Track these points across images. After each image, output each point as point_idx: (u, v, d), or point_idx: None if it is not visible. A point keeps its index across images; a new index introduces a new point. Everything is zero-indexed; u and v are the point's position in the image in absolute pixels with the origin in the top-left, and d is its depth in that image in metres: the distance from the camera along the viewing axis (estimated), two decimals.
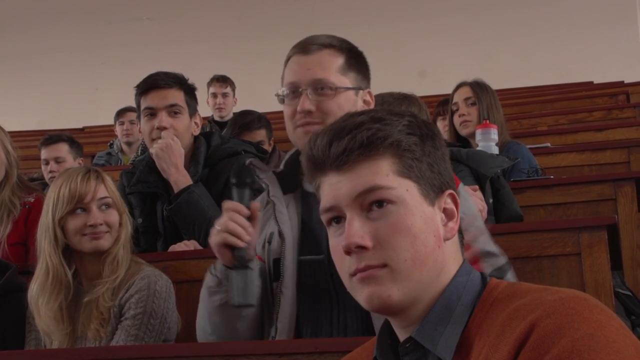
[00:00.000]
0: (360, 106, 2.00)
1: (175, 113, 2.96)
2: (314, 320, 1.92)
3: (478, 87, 4.01)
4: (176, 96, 2.97)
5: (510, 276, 1.84)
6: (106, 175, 2.50)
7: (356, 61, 2.02)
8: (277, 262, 1.93)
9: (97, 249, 2.42)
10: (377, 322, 1.75)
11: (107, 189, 2.46)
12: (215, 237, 1.86)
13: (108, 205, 2.45)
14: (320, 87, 1.94)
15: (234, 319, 1.93)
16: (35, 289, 2.41)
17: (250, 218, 1.86)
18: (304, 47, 1.99)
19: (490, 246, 1.85)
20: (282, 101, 2.02)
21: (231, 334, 1.94)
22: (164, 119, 2.93)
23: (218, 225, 1.86)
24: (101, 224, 2.42)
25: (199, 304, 2.01)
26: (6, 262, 2.66)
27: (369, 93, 2.05)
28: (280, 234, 1.94)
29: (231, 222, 1.84)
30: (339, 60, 1.98)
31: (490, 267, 1.81)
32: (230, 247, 1.85)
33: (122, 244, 2.44)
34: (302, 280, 1.92)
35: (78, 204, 2.42)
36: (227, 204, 1.88)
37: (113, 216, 2.45)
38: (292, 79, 1.98)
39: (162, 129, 2.92)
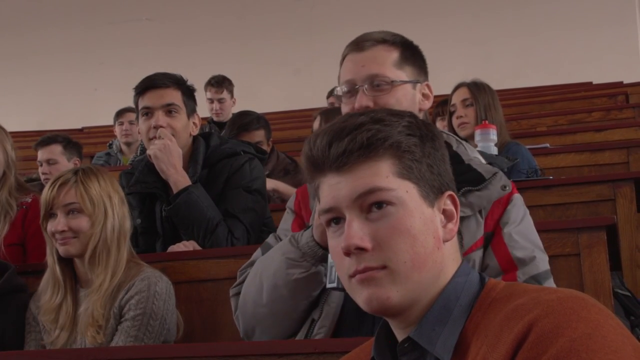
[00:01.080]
0: (418, 99, 2.00)
1: (172, 112, 2.96)
2: (358, 313, 1.86)
3: (475, 88, 4.01)
4: (173, 96, 2.97)
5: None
6: (95, 177, 2.48)
7: (412, 54, 2.02)
8: None
9: (65, 254, 2.46)
10: None
11: (78, 194, 2.44)
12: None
13: (76, 211, 2.44)
14: (377, 83, 1.94)
15: (303, 297, 1.88)
16: (41, 285, 2.49)
17: None
18: (358, 44, 1.99)
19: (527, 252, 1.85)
20: (339, 100, 2.02)
21: (289, 310, 1.90)
22: (160, 118, 2.93)
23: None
24: (65, 230, 2.43)
25: (255, 273, 1.94)
26: (5, 262, 2.66)
27: (427, 86, 2.04)
28: None
29: None
30: (393, 55, 1.98)
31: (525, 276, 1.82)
32: None
33: (99, 247, 2.43)
34: None
35: (49, 210, 2.46)
36: None
37: (79, 222, 2.44)
38: (348, 76, 1.98)
39: (158, 127, 2.92)
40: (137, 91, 3.00)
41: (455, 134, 4.03)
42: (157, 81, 2.97)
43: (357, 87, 1.95)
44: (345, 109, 1.99)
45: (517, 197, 1.94)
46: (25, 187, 3.27)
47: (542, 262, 1.87)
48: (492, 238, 1.88)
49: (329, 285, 1.79)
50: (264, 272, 1.93)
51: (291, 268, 1.87)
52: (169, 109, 2.95)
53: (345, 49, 2.02)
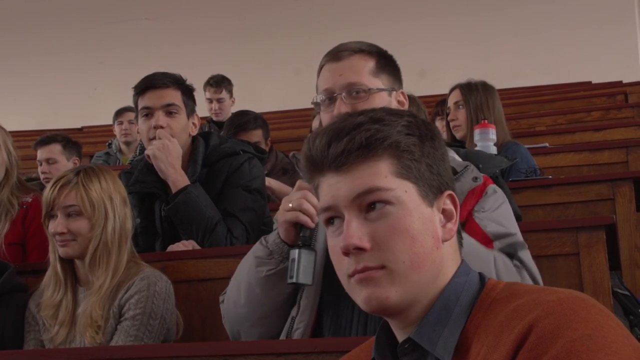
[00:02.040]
0: (394, 106, 2.04)
1: (172, 113, 2.95)
2: (335, 308, 1.92)
3: (467, 90, 4.01)
4: (173, 96, 2.96)
5: (523, 255, 1.90)
6: (96, 178, 2.47)
7: (387, 63, 2.09)
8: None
9: (65, 256, 2.46)
10: None
11: (78, 196, 2.44)
12: (287, 214, 1.89)
13: (76, 213, 2.44)
14: (355, 91, 2.01)
15: (276, 293, 1.94)
16: (44, 281, 2.51)
17: None
18: (335, 54, 2.06)
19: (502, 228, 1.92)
20: (318, 108, 2.08)
21: (265, 308, 1.96)
22: (160, 118, 2.93)
23: (290, 203, 1.88)
24: (64, 232, 2.43)
25: (234, 276, 2.03)
26: (5, 262, 2.67)
27: (402, 93, 2.11)
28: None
29: (306, 201, 1.87)
30: (370, 64, 2.05)
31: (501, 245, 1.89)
32: (297, 226, 1.88)
33: (99, 249, 2.43)
34: (327, 271, 1.93)
35: (50, 211, 2.47)
36: (302, 183, 1.92)
37: (79, 224, 2.44)
38: (326, 85, 2.05)
39: (158, 128, 2.92)
40: (137, 91, 3.00)
41: (453, 134, 4.05)
42: (157, 81, 2.96)
43: (335, 95, 2.02)
44: (324, 116, 2.05)
45: (492, 188, 2.01)
46: (27, 186, 3.27)
47: (518, 236, 1.94)
48: (465, 224, 1.94)
49: (289, 281, 1.85)
50: (240, 272, 2.01)
51: (260, 266, 1.94)
52: (168, 110, 2.95)
53: (323, 59, 2.09)
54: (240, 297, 1.98)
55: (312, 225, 1.88)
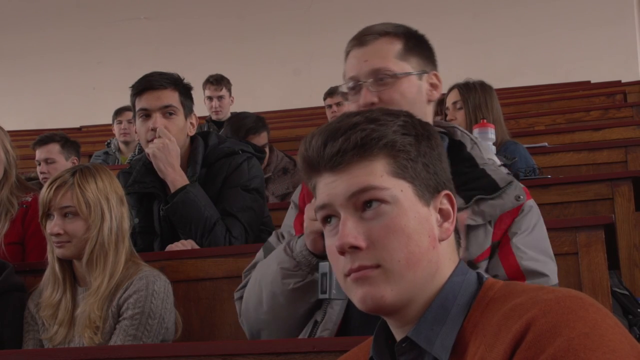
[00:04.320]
0: (426, 90, 1.93)
1: (170, 114, 2.95)
2: (362, 316, 1.80)
3: (465, 90, 4.01)
4: (170, 97, 2.96)
5: None
6: (92, 178, 2.47)
7: (416, 44, 1.95)
8: None
9: (61, 256, 2.46)
10: None
11: (74, 197, 2.43)
12: (314, 224, 1.76)
13: (72, 214, 2.44)
14: (380, 77, 1.88)
15: (300, 304, 1.87)
16: (43, 280, 2.51)
17: None
18: (360, 39, 1.94)
19: (538, 265, 1.81)
20: (345, 98, 1.97)
21: (289, 316, 1.89)
22: (158, 120, 2.92)
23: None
24: (60, 233, 2.42)
25: (255, 279, 1.94)
26: (3, 261, 2.67)
27: (435, 75, 1.97)
28: None
29: None
30: (396, 46, 1.92)
31: None
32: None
33: (96, 250, 2.42)
34: None
35: (47, 211, 2.46)
36: None
37: (75, 225, 2.43)
38: (352, 73, 1.92)
39: (156, 130, 2.92)
40: (134, 92, 2.99)
41: None
42: (154, 82, 2.95)
43: (360, 83, 1.90)
44: (351, 105, 1.94)
45: (529, 205, 1.86)
46: (26, 185, 3.27)
47: (552, 276, 1.83)
48: (500, 247, 1.83)
49: (321, 296, 1.77)
50: (262, 280, 1.92)
51: (287, 278, 1.85)
52: (166, 111, 2.94)
53: (348, 45, 1.97)
54: (263, 304, 1.91)
55: None
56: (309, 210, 1.80)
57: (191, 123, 3.03)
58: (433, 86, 1.96)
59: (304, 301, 1.86)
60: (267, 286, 1.89)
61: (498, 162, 2.01)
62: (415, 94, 1.90)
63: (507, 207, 1.83)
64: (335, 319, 1.86)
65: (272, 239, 2.06)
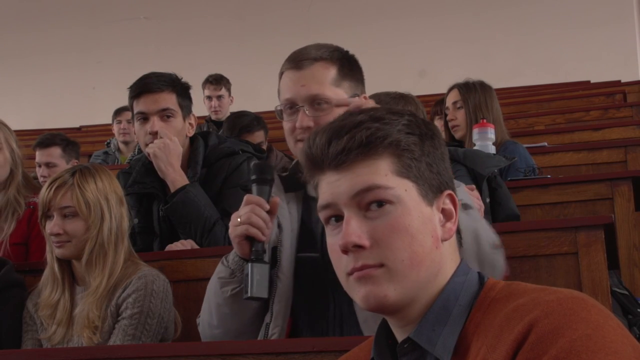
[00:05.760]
0: None
1: (168, 117, 2.94)
2: (310, 310, 1.94)
3: (465, 89, 4.01)
4: (168, 100, 2.95)
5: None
6: (92, 178, 2.47)
7: (349, 69, 2.05)
8: (275, 249, 1.97)
9: (61, 256, 2.46)
10: (361, 313, 1.82)
11: (74, 197, 2.43)
12: (237, 229, 1.88)
13: (72, 215, 2.44)
14: (317, 103, 1.98)
15: (243, 311, 1.95)
16: (42, 280, 2.51)
17: (270, 213, 1.90)
18: (296, 62, 2.03)
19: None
20: (280, 116, 2.05)
21: (238, 325, 1.97)
22: (156, 123, 2.92)
23: (240, 218, 1.88)
24: (60, 233, 2.42)
25: (205, 298, 2.03)
26: (3, 258, 2.67)
27: (365, 98, 2.06)
28: (279, 225, 1.98)
29: (254, 215, 1.87)
30: (332, 72, 2.01)
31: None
32: (249, 240, 1.87)
33: (96, 250, 2.42)
34: (298, 275, 1.96)
35: (46, 212, 2.46)
36: (250, 197, 1.91)
37: (75, 226, 2.43)
38: (288, 95, 2.02)
39: (154, 134, 2.92)
40: (132, 94, 2.98)
41: (452, 134, 4.05)
42: (151, 85, 2.94)
43: (297, 106, 1.99)
44: (286, 125, 2.03)
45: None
46: (33, 184, 3.25)
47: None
48: None
49: (244, 296, 1.86)
50: (209, 294, 2.02)
51: (224, 286, 1.95)
52: (164, 114, 2.94)
53: (283, 66, 2.06)
54: (213, 319, 1.99)
55: (263, 238, 1.87)
56: (233, 217, 1.90)
57: (190, 124, 3.03)
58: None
59: (246, 307, 1.94)
60: (212, 299, 1.99)
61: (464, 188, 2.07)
62: None
63: None
64: (283, 315, 1.93)
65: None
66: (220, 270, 1.98)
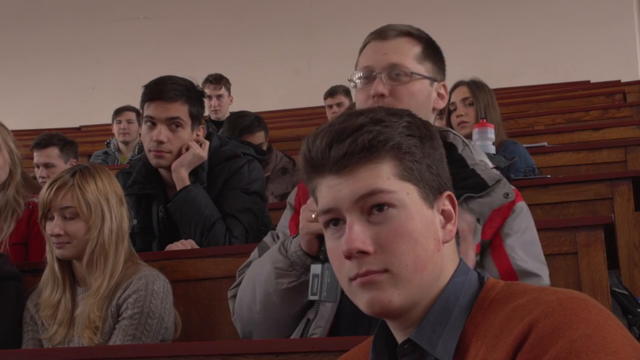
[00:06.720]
0: (434, 98, 1.97)
1: (176, 126, 2.92)
2: (355, 311, 1.86)
3: (475, 87, 4.01)
4: (179, 110, 2.92)
5: None
6: (92, 179, 2.46)
7: (433, 52, 1.98)
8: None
9: (61, 257, 2.46)
10: None
11: (74, 198, 2.42)
12: (311, 225, 1.78)
13: (72, 215, 2.44)
14: (395, 73, 1.90)
15: (294, 304, 1.88)
16: (42, 280, 2.50)
17: None
18: (382, 33, 1.96)
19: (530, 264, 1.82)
20: (354, 86, 1.98)
21: (282, 316, 1.90)
22: (162, 132, 2.89)
23: (315, 214, 1.75)
24: (60, 234, 2.42)
25: (248, 278, 1.95)
26: None
27: (444, 86, 2.00)
28: None
29: None
30: (416, 49, 1.95)
31: None
32: (320, 239, 1.77)
33: (97, 251, 2.42)
34: None
35: (46, 212, 2.46)
36: None
37: (76, 226, 2.43)
38: (367, 62, 1.94)
39: (159, 142, 2.89)
40: (145, 98, 2.95)
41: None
42: (165, 94, 2.90)
43: (374, 74, 1.91)
44: (359, 96, 1.95)
45: (520, 206, 1.89)
46: (33, 184, 3.24)
47: (544, 279, 1.84)
48: (493, 247, 1.84)
49: (311, 298, 1.78)
50: (256, 279, 1.93)
51: (280, 278, 1.86)
52: (172, 123, 2.91)
53: (368, 37, 1.99)
54: (256, 304, 1.92)
55: None
56: (305, 212, 1.81)
57: (197, 135, 3.01)
58: (440, 96, 1.99)
59: (297, 301, 1.87)
60: (261, 285, 1.90)
61: (490, 164, 2.03)
62: (424, 98, 1.93)
63: (495, 205, 1.85)
64: (328, 317, 1.87)
65: (267, 238, 2.07)
66: (277, 259, 1.87)
